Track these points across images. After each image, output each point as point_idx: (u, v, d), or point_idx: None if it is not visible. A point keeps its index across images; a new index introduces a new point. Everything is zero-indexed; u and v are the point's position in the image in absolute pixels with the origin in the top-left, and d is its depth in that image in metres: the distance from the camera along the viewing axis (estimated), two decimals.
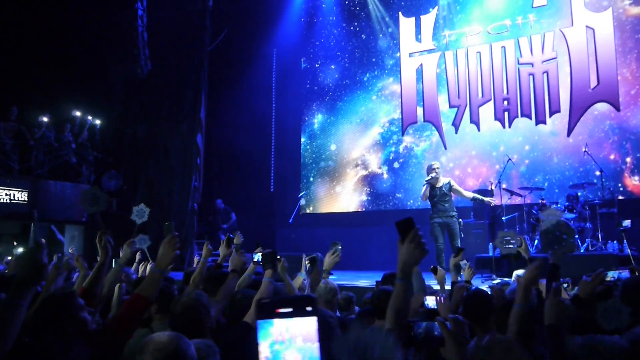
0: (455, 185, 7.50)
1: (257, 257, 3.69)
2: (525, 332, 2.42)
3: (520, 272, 4.08)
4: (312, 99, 12.49)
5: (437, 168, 7.48)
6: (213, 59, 11.88)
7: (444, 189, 7.37)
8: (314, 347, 1.01)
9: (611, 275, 3.31)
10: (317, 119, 12.38)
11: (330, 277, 8.25)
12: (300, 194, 10.34)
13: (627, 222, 7.28)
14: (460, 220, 7.42)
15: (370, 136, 11.65)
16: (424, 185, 7.47)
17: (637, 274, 3.34)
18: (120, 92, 11.59)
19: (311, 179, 12.25)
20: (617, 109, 9.18)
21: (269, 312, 1.01)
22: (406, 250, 1.81)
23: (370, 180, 11.54)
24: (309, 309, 1.02)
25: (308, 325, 1.01)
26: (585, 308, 2.94)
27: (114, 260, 3.28)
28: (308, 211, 12.05)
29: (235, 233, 4.87)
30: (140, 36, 11.06)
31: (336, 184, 11.92)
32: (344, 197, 11.81)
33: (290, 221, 9.38)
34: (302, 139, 12.50)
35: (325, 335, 1.01)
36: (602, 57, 9.38)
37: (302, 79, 12.67)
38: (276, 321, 1.01)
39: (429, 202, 7.48)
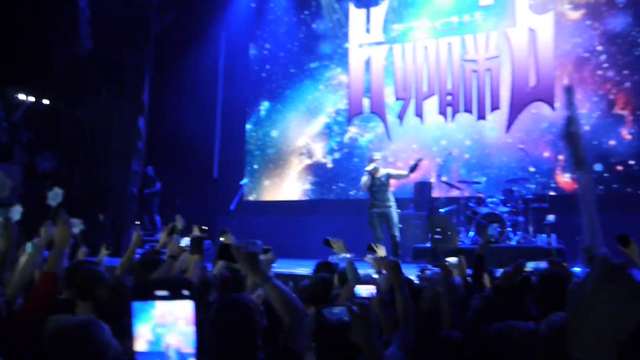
0: (393, 172, 7.61)
1: (185, 241, 3.64)
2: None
3: (453, 259, 4.19)
4: (259, 85, 12.37)
5: (378, 159, 7.58)
6: (159, 40, 11.56)
7: (382, 179, 7.48)
8: (192, 330, 1.00)
9: (530, 265, 3.46)
10: (264, 106, 12.29)
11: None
12: (243, 181, 10.24)
13: (551, 217, 7.66)
14: (399, 210, 7.56)
15: (316, 125, 11.67)
16: (364, 175, 7.55)
17: (555, 265, 3.51)
18: (59, 71, 11.10)
19: (255, 166, 12.16)
20: (553, 108, 9.55)
21: (146, 294, 0.99)
22: (242, 262, 1.94)
23: (314, 169, 11.57)
24: (185, 292, 1.01)
25: (189, 308, 1.01)
26: (506, 297, 3.06)
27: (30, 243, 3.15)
28: (251, 198, 11.97)
29: (177, 219, 4.78)
30: (82, 13, 10.63)
31: (280, 172, 11.89)
32: (287, 185, 11.80)
33: (231, 208, 9.28)
34: (248, 126, 12.38)
35: (200, 319, 1.00)
36: (541, 58, 9.72)
37: (249, 65, 12.52)
38: (158, 303, 0.99)
39: (369, 193, 7.57)
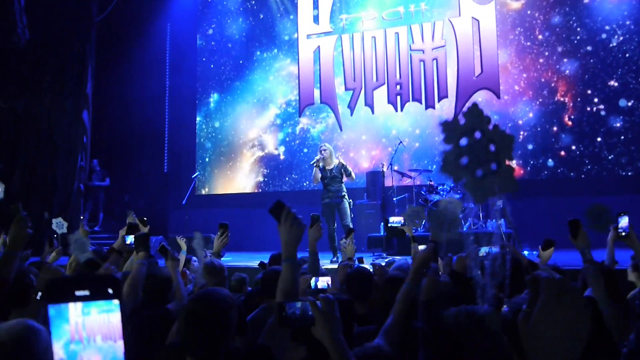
0: (345, 167, 7.50)
1: (130, 239, 3.52)
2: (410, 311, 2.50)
3: (421, 247, 4.22)
4: (208, 77, 12.13)
5: (324, 150, 7.49)
6: (101, 30, 11.14)
7: (334, 171, 7.43)
8: (117, 345, 0.87)
9: (483, 250, 3.50)
10: (213, 98, 12.07)
11: (224, 258, 8.11)
12: (195, 175, 10.04)
13: (499, 203, 7.83)
14: (351, 200, 7.56)
15: (267, 117, 11.56)
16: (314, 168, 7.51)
17: (506, 249, 3.58)
18: None
19: (207, 159, 11.95)
20: (498, 96, 9.80)
21: (62, 294, 0.86)
22: (284, 230, 1.84)
23: (266, 161, 11.48)
24: (110, 291, 0.88)
25: (110, 321, 0.86)
26: (461, 282, 3.11)
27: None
28: (203, 192, 11.77)
29: (129, 215, 4.65)
30: (17, 1, 10.09)
31: (232, 165, 11.73)
32: (240, 178, 11.66)
33: (183, 202, 9.10)
34: (198, 118, 12.13)
35: (128, 330, 0.88)
36: (485, 47, 9.94)
37: (197, 56, 12.25)
38: (72, 317, 0.86)
39: (322, 184, 7.55)
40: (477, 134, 1.46)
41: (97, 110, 11.05)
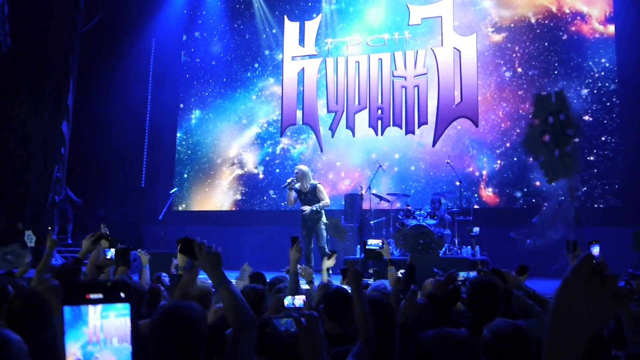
0: (320, 191, 7.48)
1: (110, 253, 3.46)
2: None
3: (399, 273, 4.24)
4: (191, 93, 12.12)
5: (297, 173, 7.48)
6: (85, 42, 11.06)
7: (309, 194, 7.43)
8: (129, 348, 0.93)
9: (462, 275, 3.55)
10: (195, 115, 12.04)
11: (200, 276, 8.00)
12: (172, 190, 9.94)
13: (476, 229, 8.00)
14: (328, 221, 7.54)
15: (247, 135, 11.55)
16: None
17: (482, 274, 3.62)
18: None
19: (185, 175, 11.86)
20: (476, 125, 9.97)
21: (77, 297, 0.90)
22: (204, 261, 1.91)
23: (245, 179, 11.44)
24: (122, 295, 0.93)
25: (126, 325, 0.93)
26: (439, 305, 3.12)
27: None
28: (180, 208, 11.66)
29: (102, 228, 4.58)
30: (0, 9, 9.98)
31: (211, 182, 11.65)
32: (218, 195, 11.58)
33: (160, 218, 8.98)
34: (178, 134, 12.07)
35: (138, 335, 0.92)
36: (465, 77, 10.15)
37: (181, 72, 12.25)
38: (91, 320, 0.90)
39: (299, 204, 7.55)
40: (562, 116, 1.52)
41: (77, 121, 10.91)
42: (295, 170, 7.54)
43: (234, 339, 1.87)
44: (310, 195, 7.39)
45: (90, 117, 11.43)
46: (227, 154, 11.62)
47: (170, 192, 9.80)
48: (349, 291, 3.55)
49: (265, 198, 11.23)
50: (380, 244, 4.57)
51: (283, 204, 10.97)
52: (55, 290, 2.44)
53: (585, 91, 9.47)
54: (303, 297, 3.05)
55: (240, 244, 10.17)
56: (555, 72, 9.69)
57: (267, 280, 4.16)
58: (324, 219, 7.42)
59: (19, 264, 3.58)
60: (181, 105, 12.13)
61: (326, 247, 7.31)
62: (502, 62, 10.06)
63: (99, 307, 0.92)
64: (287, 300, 3.00)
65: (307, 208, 7.37)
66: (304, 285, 4.41)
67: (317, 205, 7.35)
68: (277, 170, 11.19)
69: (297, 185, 7.48)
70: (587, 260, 0.86)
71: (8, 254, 3.59)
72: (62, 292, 0.95)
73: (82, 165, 11.37)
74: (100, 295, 0.92)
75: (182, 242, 1.90)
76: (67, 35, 10.40)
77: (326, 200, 7.47)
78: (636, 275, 3.99)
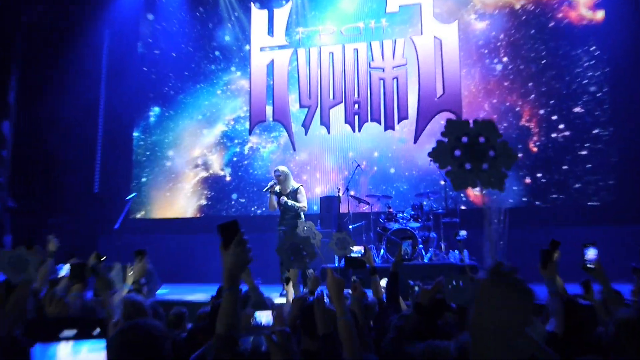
0: (300, 194, 7.52)
1: (65, 269, 3.36)
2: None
3: (383, 282, 4.22)
4: (149, 89, 11.92)
5: (279, 175, 7.50)
6: (29, 35, 10.80)
7: (290, 197, 7.43)
8: None
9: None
10: (154, 112, 11.85)
11: (161, 290, 7.87)
12: (130, 196, 9.77)
13: (463, 233, 8.01)
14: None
15: (213, 134, 11.43)
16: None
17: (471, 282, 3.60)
18: None
19: (144, 179, 11.66)
20: (460, 119, 10.03)
21: (47, 334, 0.85)
22: (231, 255, 1.81)
23: (211, 182, 11.30)
24: (96, 331, 0.88)
25: None
26: (425, 315, 3.11)
27: None
28: (139, 216, 11.46)
29: (50, 240, 4.47)
30: None
31: (172, 186, 11.49)
32: (181, 200, 11.42)
33: (116, 227, 8.81)
34: (135, 134, 11.87)
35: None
36: (447, 68, 10.21)
37: (137, 65, 12.02)
38: (62, 356, 0.85)
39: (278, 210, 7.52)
40: (482, 139, 1.85)
41: (20, 120, 10.65)
42: (278, 173, 7.52)
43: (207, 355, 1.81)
44: (291, 197, 7.41)
45: (36, 116, 11.15)
46: (190, 155, 11.47)
47: (127, 197, 9.64)
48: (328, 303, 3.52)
49: (233, 203, 11.11)
50: (362, 251, 4.54)
51: (253, 208, 10.89)
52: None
53: (575, 81, 9.62)
54: (269, 312, 3.01)
55: (208, 254, 10.03)
56: (543, 61, 9.81)
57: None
58: (301, 224, 7.42)
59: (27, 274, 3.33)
60: (138, 102, 11.91)
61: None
62: (486, 51, 10.15)
63: (70, 343, 0.91)
64: (256, 316, 2.98)
65: (284, 198, 7.43)
66: (278, 299, 4.37)
67: (293, 202, 7.38)
68: (251, 172, 11.08)
69: (278, 188, 7.49)
70: (496, 268, 1.01)
71: (13, 258, 3.24)
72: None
73: (27, 169, 11.09)
74: (73, 332, 0.92)
75: (230, 223, 1.83)
76: (7, 26, 10.14)
77: (304, 204, 7.50)
78: (637, 270, 4.04)
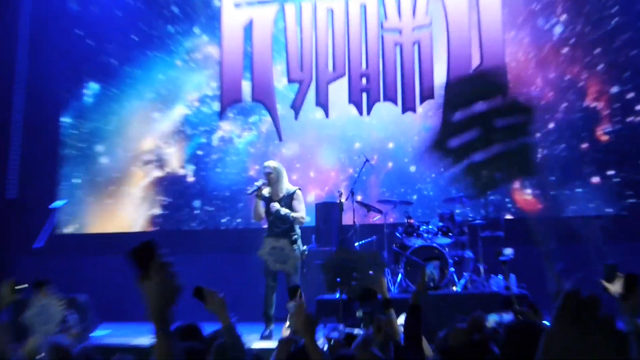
0: (298, 201, 7.51)
1: None
2: None
3: (401, 319, 4.20)
4: (84, 58, 11.93)
5: (270, 173, 7.49)
6: None
7: (283, 202, 7.40)
8: None
9: (492, 319, 3.48)
10: (90, 90, 11.86)
11: (99, 332, 7.96)
12: (57, 204, 9.76)
13: (509, 251, 7.90)
14: (305, 248, 7.59)
15: (170, 119, 11.43)
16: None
17: (521, 317, 3.55)
18: None
19: (76, 180, 11.66)
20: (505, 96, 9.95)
21: None
22: (154, 286, 1.84)
23: (167, 185, 11.30)
24: None
25: None
26: None
27: None
28: (70, 230, 11.46)
29: None
30: None
31: (115, 190, 11.48)
32: (126, 209, 11.42)
33: (38, 244, 8.80)
34: (65, 119, 11.87)
35: None
36: (486, 30, 10.18)
37: (68, 28, 12.01)
38: None
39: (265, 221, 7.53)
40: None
41: None
42: (268, 169, 7.52)
43: None
44: (285, 205, 7.39)
45: None
46: (140, 148, 11.49)
47: (52, 206, 9.62)
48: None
49: (196, 212, 11.08)
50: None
51: (224, 220, 10.83)
52: None
53: None
54: None
55: None
56: (615, 19, 9.76)
57: (204, 335, 4.07)
58: (299, 243, 7.43)
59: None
60: (69, 77, 11.90)
61: (297, 282, 7.33)
62: (539, 7, 10.13)
63: None
64: None
65: (276, 205, 7.44)
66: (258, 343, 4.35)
67: (287, 211, 7.41)
68: (221, 170, 11.04)
69: (267, 192, 7.48)
70: (571, 300, 0.95)
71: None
72: None
73: None
74: None
75: (141, 246, 1.87)
76: None
77: (302, 213, 7.61)
78: None
